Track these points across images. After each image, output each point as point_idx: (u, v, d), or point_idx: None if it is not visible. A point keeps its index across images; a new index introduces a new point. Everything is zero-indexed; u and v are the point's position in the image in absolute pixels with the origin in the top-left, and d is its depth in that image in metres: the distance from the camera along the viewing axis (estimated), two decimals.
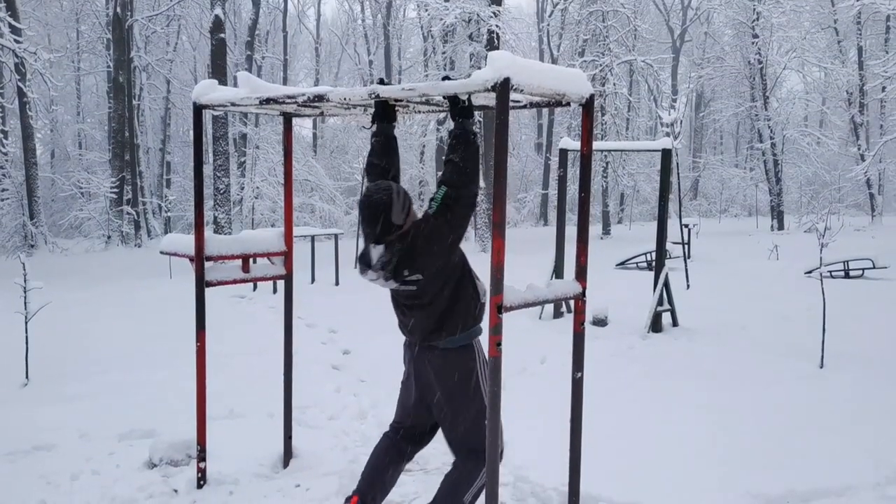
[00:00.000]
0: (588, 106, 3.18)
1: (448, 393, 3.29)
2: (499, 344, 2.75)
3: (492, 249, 2.71)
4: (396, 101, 3.35)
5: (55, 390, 5.94)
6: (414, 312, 3.28)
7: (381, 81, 3.34)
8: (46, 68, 19.61)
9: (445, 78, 3.04)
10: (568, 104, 3.22)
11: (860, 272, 13.15)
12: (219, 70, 19.12)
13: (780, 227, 28.79)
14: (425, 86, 2.90)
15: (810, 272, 12.66)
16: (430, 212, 3.10)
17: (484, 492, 2.95)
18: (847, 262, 13.13)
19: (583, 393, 3.42)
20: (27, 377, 6.26)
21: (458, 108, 3.10)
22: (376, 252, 3.16)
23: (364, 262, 3.21)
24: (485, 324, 3.14)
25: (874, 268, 12.99)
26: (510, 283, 2.82)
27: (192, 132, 3.97)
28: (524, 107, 3.54)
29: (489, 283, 2.82)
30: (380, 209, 3.10)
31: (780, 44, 30.69)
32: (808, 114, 40.25)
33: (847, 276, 13.05)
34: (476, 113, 3.29)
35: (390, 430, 3.60)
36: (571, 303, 4.49)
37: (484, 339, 3.32)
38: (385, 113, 3.46)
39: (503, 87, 2.60)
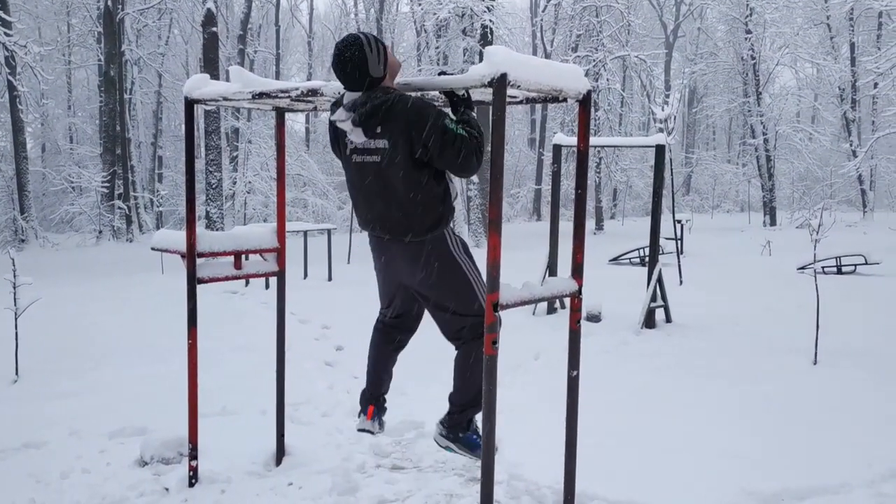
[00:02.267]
0: (585, 102, 3.16)
1: (425, 281, 3.15)
2: (495, 342, 2.72)
3: (488, 246, 2.68)
4: None
5: (45, 387, 5.90)
6: (376, 202, 3.11)
7: None
8: (37, 62, 19.48)
9: (441, 73, 3.00)
10: (565, 100, 3.19)
11: (852, 268, 13.19)
12: (211, 64, 19.02)
13: (773, 223, 28.88)
14: (421, 81, 2.87)
15: (803, 268, 12.69)
16: (446, 123, 2.89)
17: (480, 492, 2.93)
18: (839, 258, 13.17)
19: (578, 391, 3.40)
20: (17, 374, 6.21)
21: (458, 98, 3.04)
22: (352, 95, 2.99)
23: (337, 102, 3.05)
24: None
25: (866, 263, 13.03)
26: (505, 280, 2.80)
27: (183, 127, 3.92)
28: (520, 102, 3.51)
29: (485, 280, 2.79)
30: (354, 65, 2.91)
31: (773, 40, 30.76)
32: (801, 110, 40.39)
33: (839, 271, 13.08)
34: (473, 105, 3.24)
35: (379, 321, 3.55)
36: (566, 299, 4.47)
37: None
38: None
39: (500, 83, 2.57)
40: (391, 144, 2.94)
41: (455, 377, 3.28)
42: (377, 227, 3.19)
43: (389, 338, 3.50)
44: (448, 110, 3.06)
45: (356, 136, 3.02)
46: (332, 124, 3.16)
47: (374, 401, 3.53)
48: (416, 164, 2.97)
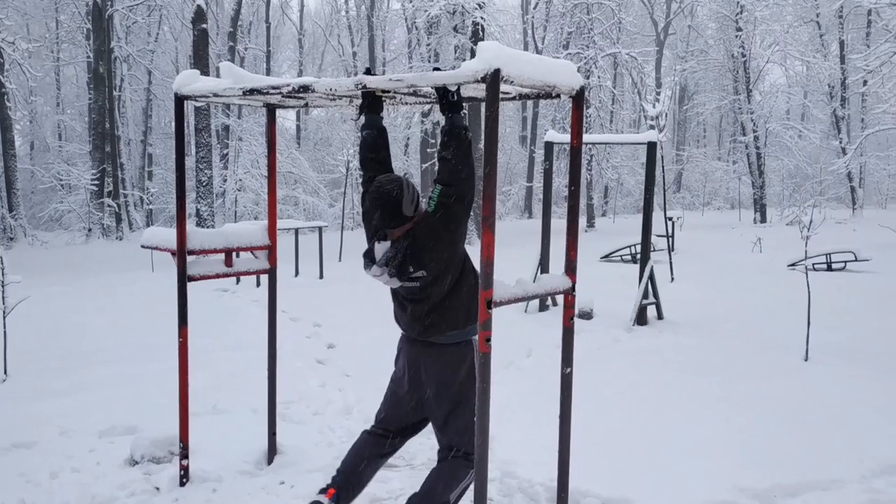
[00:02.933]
0: (578, 98, 3.14)
1: (442, 390, 3.27)
2: (488, 339, 2.71)
3: (481, 244, 2.67)
4: (383, 92, 3.30)
5: (35, 386, 5.84)
6: (413, 306, 3.27)
7: (368, 71, 3.28)
8: (25, 58, 19.34)
9: (435, 69, 2.99)
10: (558, 96, 3.18)
11: (842, 265, 13.25)
12: (201, 61, 18.92)
13: (763, 220, 28.98)
14: (413, 76, 2.85)
15: (793, 265, 12.74)
16: (429, 210, 3.12)
17: (471, 488, 2.92)
18: (829, 254, 13.22)
19: (572, 388, 3.40)
20: (5, 373, 6.15)
21: (447, 102, 3.07)
22: (381, 248, 3.15)
23: (369, 258, 3.19)
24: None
25: (856, 260, 13.09)
26: (496, 277, 2.78)
27: (173, 124, 3.89)
28: (513, 98, 3.49)
29: (479, 277, 2.78)
30: (391, 200, 3.10)
31: (763, 37, 30.83)
32: (791, 107, 40.53)
33: (829, 268, 13.13)
34: (463, 104, 3.25)
35: (374, 427, 3.55)
36: (559, 296, 4.46)
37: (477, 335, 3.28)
38: (372, 104, 3.40)
39: (493, 79, 2.55)
40: (429, 274, 3.13)
41: (427, 482, 3.32)
42: (413, 327, 3.30)
43: (378, 444, 3.50)
44: (436, 108, 3.11)
45: (395, 283, 3.19)
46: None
47: (340, 489, 3.40)
48: (451, 275, 3.18)
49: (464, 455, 3.25)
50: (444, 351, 3.25)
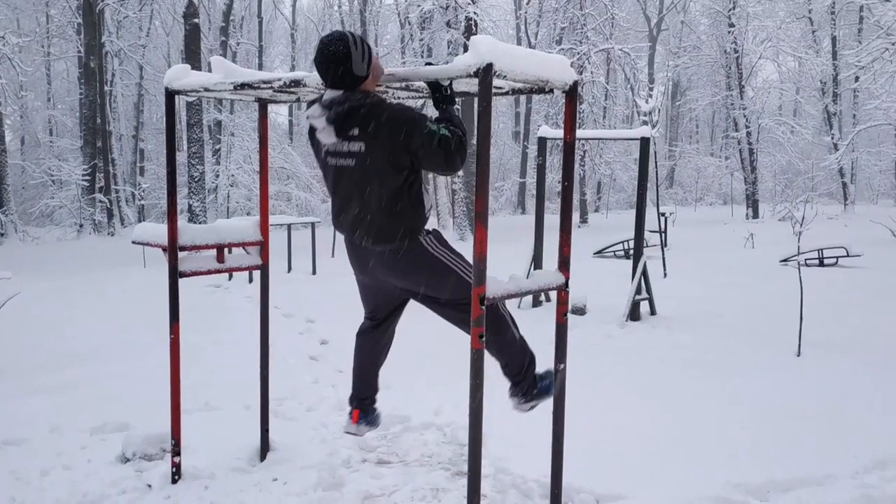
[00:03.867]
0: (571, 93, 3.13)
1: (410, 281, 3.12)
2: (481, 336, 2.70)
3: (474, 239, 2.66)
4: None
5: (25, 383, 5.81)
6: (350, 207, 3.07)
7: None
8: (15, 53, 19.24)
9: (428, 64, 2.97)
10: (551, 91, 3.16)
11: (834, 260, 13.29)
12: (193, 56, 18.83)
13: (755, 216, 29.07)
14: (405, 71, 2.83)
15: (786, 260, 12.78)
16: (428, 125, 2.86)
17: (467, 486, 2.91)
18: (821, 250, 13.26)
19: (566, 384, 3.39)
20: None
21: (441, 95, 3.02)
22: (333, 93, 2.92)
23: (315, 100, 2.99)
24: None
25: (848, 256, 13.14)
26: (490, 273, 2.77)
27: (165, 119, 3.86)
28: (506, 93, 3.48)
29: (472, 273, 2.76)
30: (338, 61, 2.85)
31: (756, 33, 30.92)
32: (783, 103, 40.61)
33: (822, 264, 13.18)
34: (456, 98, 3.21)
35: (364, 326, 3.51)
36: (552, 292, 4.45)
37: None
38: None
39: (486, 73, 2.54)
40: (367, 149, 2.90)
41: (494, 355, 3.21)
42: (351, 233, 3.14)
43: (375, 340, 3.49)
44: (430, 105, 3.03)
45: (326, 136, 2.96)
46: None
47: (359, 404, 3.54)
48: (392, 171, 2.93)
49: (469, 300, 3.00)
50: (389, 255, 3.05)
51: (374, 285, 3.32)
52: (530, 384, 3.29)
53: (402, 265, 3.08)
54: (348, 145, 2.94)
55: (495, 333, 3.11)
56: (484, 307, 2.69)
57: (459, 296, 3.05)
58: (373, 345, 3.50)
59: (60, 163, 24.86)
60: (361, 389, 3.54)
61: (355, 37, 2.93)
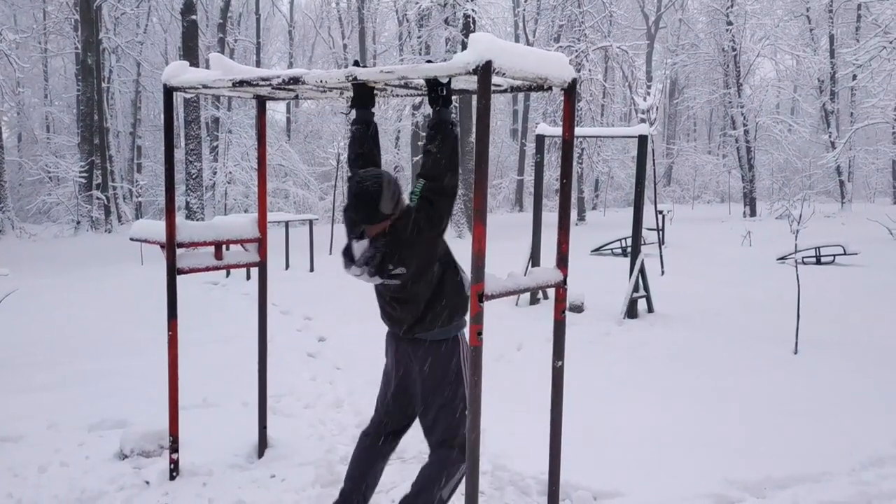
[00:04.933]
0: (570, 90, 3.13)
1: (430, 386, 3.25)
2: (479, 333, 2.70)
3: (473, 237, 2.66)
4: (374, 84, 3.28)
5: (23, 379, 5.80)
6: (398, 304, 3.24)
7: (357, 64, 3.25)
8: (12, 49, 19.17)
9: (427, 62, 2.97)
10: (549, 88, 3.16)
11: (831, 258, 13.31)
12: (190, 53, 18.80)
13: (753, 214, 29.08)
14: (405, 68, 2.83)
15: (783, 258, 12.79)
16: (410, 205, 3.07)
17: (463, 481, 2.92)
18: (818, 248, 13.28)
19: (563, 382, 3.39)
20: None
21: (437, 95, 3.04)
22: (360, 247, 3.11)
23: (348, 256, 3.15)
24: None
25: (845, 254, 13.16)
26: (488, 270, 2.77)
27: (162, 116, 3.85)
28: (505, 91, 3.48)
29: (470, 270, 2.77)
30: (369, 197, 3.03)
31: (754, 31, 30.91)
32: (781, 101, 40.62)
33: (819, 262, 13.20)
34: (452, 98, 3.23)
35: (370, 428, 3.52)
36: (550, 290, 4.46)
37: (465, 329, 3.28)
38: (363, 97, 3.38)
39: (485, 70, 2.53)
40: (409, 271, 3.09)
41: (419, 479, 3.29)
42: (399, 325, 3.28)
43: (380, 444, 3.47)
44: (426, 100, 3.06)
45: (376, 281, 3.16)
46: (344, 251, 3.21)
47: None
48: (433, 271, 3.15)
49: (456, 449, 3.23)
50: (430, 348, 3.23)
51: (393, 383, 3.39)
52: None
53: (431, 362, 3.23)
54: (392, 277, 3.13)
55: (449, 475, 3.25)
56: (482, 304, 2.69)
57: (449, 435, 3.25)
58: (374, 445, 3.46)
59: (57, 159, 24.80)
60: (354, 493, 3.44)
61: (391, 178, 3.13)
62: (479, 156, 2.64)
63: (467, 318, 3.09)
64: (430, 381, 3.25)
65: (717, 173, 39.01)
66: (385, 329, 3.43)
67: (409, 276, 3.11)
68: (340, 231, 15.58)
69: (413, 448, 4.40)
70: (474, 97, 2.79)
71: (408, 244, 3.05)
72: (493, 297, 2.79)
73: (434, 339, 3.22)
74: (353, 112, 3.41)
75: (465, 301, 3.23)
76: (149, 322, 7.71)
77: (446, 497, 3.29)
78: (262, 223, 4.16)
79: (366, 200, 3.03)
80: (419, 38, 22.57)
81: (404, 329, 3.26)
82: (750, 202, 29.69)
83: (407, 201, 3.17)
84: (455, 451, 3.23)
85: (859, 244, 13.59)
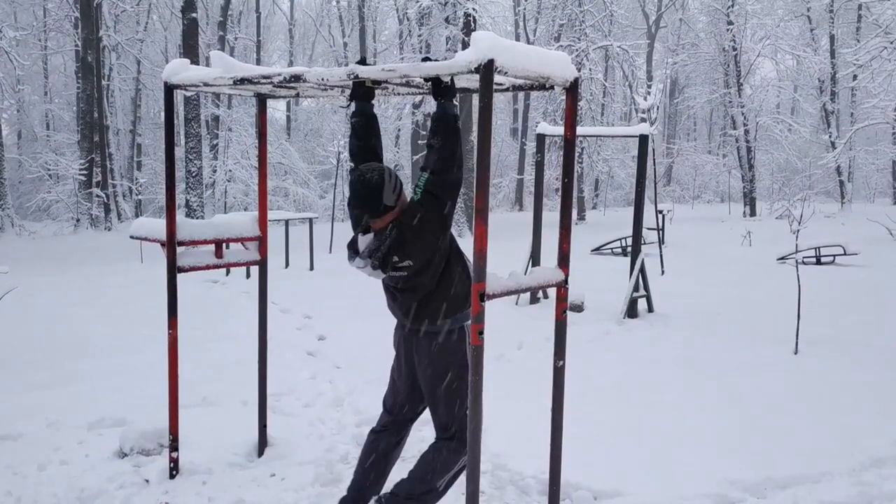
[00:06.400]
0: (572, 89, 3.12)
1: (435, 377, 3.25)
2: (481, 332, 2.70)
3: (474, 236, 2.65)
4: (375, 82, 3.27)
5: (22, 378, 5.79)
6: (403, 295, 3.25)
7: (362, 61, 3.24)
8: (12, 46, 19.16)
9: (426, 59, 2.96)
10: (551, 88, 3.15)
11: (831, 259, 13.31)
12: (190, 51, 18.79)
13: (753, 214, 29.08)
14: (406, 67, 2.82)
15: (783, 258, 12.79)
16: (414, 199, 3.07)
17: (463, 475, 2.91)
18: (818, 248, 13.27)
19: (564, 381, 3.39)
20: None
21: (440, 89, 3.04)
22: (364, 240, 3.11)
23: (352, 249, 3.16)
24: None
25: (845, 254, 13.15)
26: (488, 270, 2.77)
27: (163, 114, 3.84)
28: (507, 90, 3.47)
29: (472, 269, 2.77)
30: (371, 189, 3.05)
31: (755, 31, 30.91)
32: (781, 101, 40.60)
33: (818, 262, 13.19)
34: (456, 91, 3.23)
35: (378, 425, 3.53)
36: (551, 289, 4.45)
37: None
38: (363, 93, 3.37)
39: (487, 69, 2.52)
40: (415, 264, 3.09)
41: (417, 467, 3.30)
42: (405, 316, 3.28)
43: (390, 437, 3.47)
44: (429, 96, 3.06)
45: (379, 275, 3.16)
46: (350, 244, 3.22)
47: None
48: (438, 264, 3.15)
49: (457, 437, 3.22)
50: (436, 339, 3.23)
51: (403, 374, 3.39)
52: None
53: (436, 353, 3.22)
54: (397, 270, 3.13)
55: (446, 461, 3.25)
56: (483, 304, 2.69)
57: (452, 426, 3.25)
58: (386, 440, 3.46)
59: (57, 157, 24.78)
60: (363, 491, 3.44)
61: (392, 171, 3.16)
62: (481, 154, 2.63)
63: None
64: (437, 372, 3.24)
65: (717, 173, 39.03)
66: (388, 325, 3.43)
67: (415, 268, 3.11)
68: (340, 230, 15.58)
69: (413, 448, 4.39)
70: (475, 95, 2.79)
71: (413, 238, 3.05)
72: (494, 296, 2.79)
73: (441, 330, 3.22)
74: (353, 105, 3.40)
75: (470, 293, 3.24)
76: (149, 320, 7.70)
77: (442, 488, 3.28)
78: (262, 221, 4.15)
79: (368, 192, 3.05)
80: (420, 36, 22.57)
81: (410, 320, 3.26)
82: (750, 202, 29.69)
83: (409, 194, 3.17)
84: (455, 441, 3.22)
85: (859, 244, 13.59)
